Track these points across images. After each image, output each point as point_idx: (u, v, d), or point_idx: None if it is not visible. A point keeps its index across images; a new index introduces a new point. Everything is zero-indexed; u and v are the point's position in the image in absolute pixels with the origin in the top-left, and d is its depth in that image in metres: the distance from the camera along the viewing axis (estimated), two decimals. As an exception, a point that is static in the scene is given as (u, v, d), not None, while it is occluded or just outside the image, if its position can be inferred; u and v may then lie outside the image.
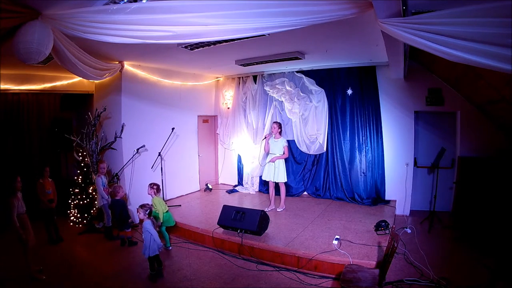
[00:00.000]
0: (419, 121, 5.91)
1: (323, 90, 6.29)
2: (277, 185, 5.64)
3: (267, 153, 5.65)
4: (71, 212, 5.34)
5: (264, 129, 6.90)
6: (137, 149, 5.59)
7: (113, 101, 5.65)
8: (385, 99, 5.88)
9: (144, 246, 3.60)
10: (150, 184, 4.54)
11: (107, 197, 4.87)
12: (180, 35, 2.49)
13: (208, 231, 4.61)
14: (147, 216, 3.68)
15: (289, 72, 6.58)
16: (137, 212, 3.73)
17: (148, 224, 3.62)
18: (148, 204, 3.83)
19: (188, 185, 7.00)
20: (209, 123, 7.82)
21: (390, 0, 2.09)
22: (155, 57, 5.21)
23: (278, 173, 5.43)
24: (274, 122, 5.64)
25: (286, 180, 5.59)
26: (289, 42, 4.39)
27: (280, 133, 5.59)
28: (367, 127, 5.94)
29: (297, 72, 6.49)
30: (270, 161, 5.48)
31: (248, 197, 6.71)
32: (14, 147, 5.78)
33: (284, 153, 5.47)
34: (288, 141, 5.80)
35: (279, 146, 5.48)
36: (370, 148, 5.94)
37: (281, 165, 5.46)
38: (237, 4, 2.25)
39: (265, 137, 5.64)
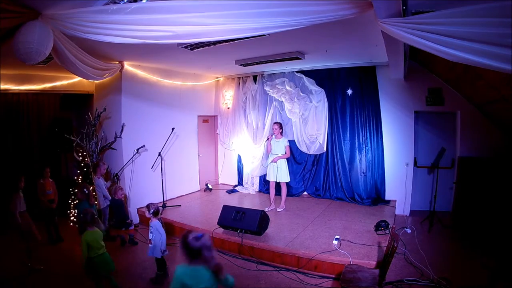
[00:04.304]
0: (419, 121, 5.91)
1: (323, 90, 6.28)
2: (277, 185, 5.65)
3: (269, 154, 5.66)
4: (71, 212, 5.34)
5: (264, 129, 6.90)
6: (137, 149, 5.59)
7: (113, 101, 5.65)
8: (385, 99, 5.88)
9: (153, 246, 3.47)
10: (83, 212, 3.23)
11: (110, 197, 4.86)
12: (180, 35, 2.49)
13: (208, 231, 4.60)
14: (152, 215, 3.56)
15: (289, 72, 6.58)
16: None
17: (156, 224, 3.52)
18: (153, 203, 3.64)
19: (188, 185, 7.00)
20: (209, 123, 7.82)
21: (390, 0, 2.09)
22: (155, 57, 5.21)
23: (280, 173, 5.44)
24: (275, 123, 5.65)
25: (288, 180, 5.60)
26: (289, 42, 4.39)
27: (281, 133, 5.60)
28: (367, 127, 5.94)
29: (297, 72, 6.49)
30: (272, 161, 5.49)
31: (248, 197, 6.71)
32: (14, 147, 5.78)
33: (286, 153, 5.48)
34: (289, 141, 5.80)
35: (281, 146, 5.49)
36: (370, 148, 5.94)
37: (283, 165, 5.48)
38: (237, 4, 2.25)
39: (268, 138, 5.65)
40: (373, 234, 4.32)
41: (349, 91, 6.07)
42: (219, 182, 7.97)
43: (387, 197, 5.93)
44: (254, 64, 5.72)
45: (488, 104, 4.71)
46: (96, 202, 4.82)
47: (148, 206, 3.60)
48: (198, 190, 7.22)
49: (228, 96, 7.53)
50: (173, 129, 6.15)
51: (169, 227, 5.10)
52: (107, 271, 3.23)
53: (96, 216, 3.23)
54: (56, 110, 6.42)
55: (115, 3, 2.56)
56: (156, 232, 3.50)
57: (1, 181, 4.60)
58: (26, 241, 3.69)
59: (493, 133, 5.20)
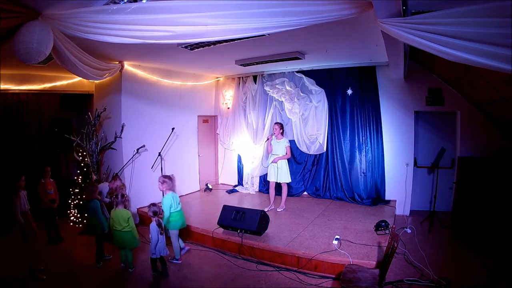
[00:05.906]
0: (419, 121, 5.91)
1: (323, 90, 6.28)
2: (278, 185, 5.64)
3: (270, 154, 5.65)
4: (71, 212, 5.34)
5: (264, 129, 6.90)
6: (137, 149, 5.59)
7: (113, 101, 5.65)
8: (385, 99, 5.88)
9: (150, 246, 3.66)
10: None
11: (107, 200, 4.84)
12: (180, 35, 2.49)
13: (208, 231, 4.61)
14: (151, 215, 3.71)
15: (289, 72, 6.58)
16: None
17: (152, 227, 3.66)
18: (155, 204, 3.81)
19: (188, 185, 7.00)
20: (209, 123, 7.82)
21: (390, 0, 2.09)
22: (155, 57, 5.21)
23: (281, 174, 5.44)
24: (276, 123, 5.64)
25: (290, 180, 5.60)
26: (289, 42, 4.39)
27: (282, 133, 5.59)
28: (367, 127, 5.94)
29: (297, 72, 6.49)
30: (272, 161, 5.48)
31: (248, 197, 6.71)
32: (14, 147, 5.78)
33: (286, 153, 5.48)
34: (290, 141, 5.78)
35: (281, 147, 5.49)
36: (370, 148, 5.94)
37: (284, 165, 5.47)
38: (237, 4, 2.25)
39: (268, 139, 5.65)
40: (373, 234, 4.32)
41: (349, 91, 6.07)
42: (219, 182, 7.97)
43: (387, 197, 5.93)
44: (254, 64, 5.72)
45: (488, 104, 4.71)
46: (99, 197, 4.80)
47: (149, 206, 3.81)
48: (198, 190, 7.22)
49: (228, 96, 7.53)
50: (173, 129, 6.15)
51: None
52: (121, 246, 3.85)
53: (125, 197, 3.85)
54: (56, 110, 6.42)
55: (115, 3, 2.57)
56: (153, 234, 3.64)
57: (1, 181, 4.60)
58: (27, 241, 3.69)
59: (493, 133, 5.20)
